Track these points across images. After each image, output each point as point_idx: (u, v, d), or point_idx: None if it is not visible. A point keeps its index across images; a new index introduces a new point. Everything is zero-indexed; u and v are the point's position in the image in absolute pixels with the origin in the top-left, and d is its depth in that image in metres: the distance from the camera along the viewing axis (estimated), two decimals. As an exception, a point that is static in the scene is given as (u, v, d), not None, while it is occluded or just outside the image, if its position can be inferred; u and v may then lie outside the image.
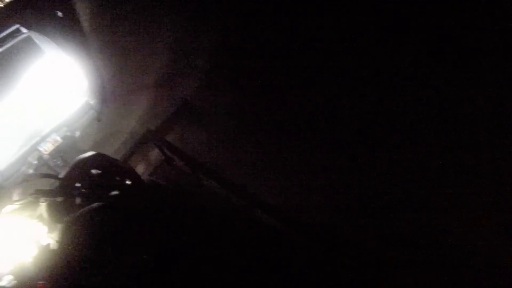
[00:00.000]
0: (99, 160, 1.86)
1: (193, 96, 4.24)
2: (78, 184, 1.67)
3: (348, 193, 3.12)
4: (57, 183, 1.71)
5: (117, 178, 1.79)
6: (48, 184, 2.98)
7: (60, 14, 6.05)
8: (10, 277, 1.32)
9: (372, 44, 3.62)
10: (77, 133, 4.12)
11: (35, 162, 3.94)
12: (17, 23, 4.08)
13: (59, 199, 1.51)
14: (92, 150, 1.85)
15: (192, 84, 4.36)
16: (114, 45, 5.69)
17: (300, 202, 3.14)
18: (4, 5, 5.61)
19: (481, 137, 3.01)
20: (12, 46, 3.80)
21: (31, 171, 3.94)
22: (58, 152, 4.02)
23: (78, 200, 1.54)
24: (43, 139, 3.92)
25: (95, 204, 1.24)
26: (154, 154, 3.95)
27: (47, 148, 3.93)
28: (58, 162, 4.04)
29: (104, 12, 6.59)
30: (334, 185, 3.22)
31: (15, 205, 1.57)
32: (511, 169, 3.72)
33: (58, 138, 3.98)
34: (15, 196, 1.66)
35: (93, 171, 1.79)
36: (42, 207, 1.48)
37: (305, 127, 3.51)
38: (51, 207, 1.47)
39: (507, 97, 2.96)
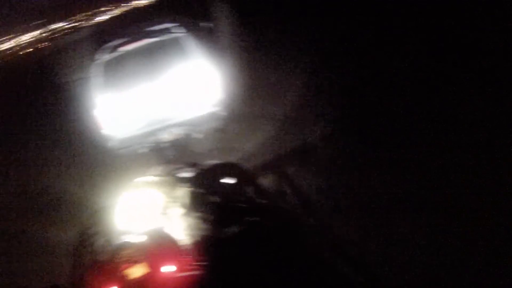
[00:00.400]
0: (237, 171, 1.82)
1: (316, 139, 4.20)
2: (226, 181, 1.69)
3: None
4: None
5: (251, 197, 1.72)
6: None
7: (211, 26, 6.40)
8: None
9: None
10: (199, 136, 4.32)
11: (149, 145, 4.27)
12: (172, 22, 4.60)
13: (200, 190, 1.56)
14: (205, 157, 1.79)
15: (318, 127, 4.36)
16: (252, 68, 6.28)
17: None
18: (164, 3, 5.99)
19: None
20: (164, 40, 4.24)
21: (144, 150, 4.31)
22: (174, 145, 4.29)
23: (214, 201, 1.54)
24: (166, 128, 4.20)
25: (255, 229, 1.16)
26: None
27: (167, 137, 4.22)
28: (170, 154, 4.26)
29: (249, 35, 7.73)
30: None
31: (151, 178, 1.65)
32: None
33: (180, 133, 4.22)
34: (152, 169, 1.76)
35: (225, 180, 1.75)
36: (183, 191, 1.56)
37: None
38: (193, 196, 1.53)
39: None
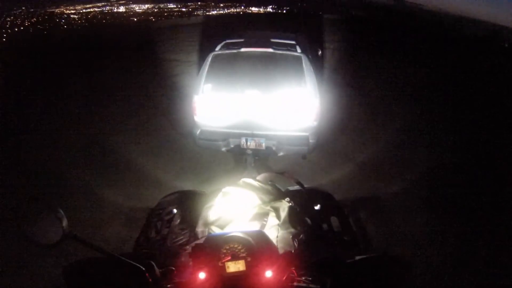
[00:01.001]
0: (327, 199, 1.88)
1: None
2: (317, 207, 1.75)
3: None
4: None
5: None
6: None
7: (320, 52, 6.89)
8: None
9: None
10: (280, 154, 4.32)
11: (232, 146, 4.32)
12: (295, 40, 4.81)
13: (298, 208, 1.61)
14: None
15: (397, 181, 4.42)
16: (350, 107, 6.52)
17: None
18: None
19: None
20: (287, 55, 4.36)
21: (223, 149, 4.36)
22: (254, 154, 4.36)
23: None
24: (253, 136, 4.25)
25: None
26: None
27: (250, 144, 4.25)
28: (250, 162, 4.40)
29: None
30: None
31: (252, 182, 1.69)
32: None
33: (263, 145, 4.25)
34: (260, 176, 1.80)
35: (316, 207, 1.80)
36: (282, 203, 1.60)
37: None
38: (292, 212, 1.58)
39: None
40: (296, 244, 1.34)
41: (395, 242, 3.26)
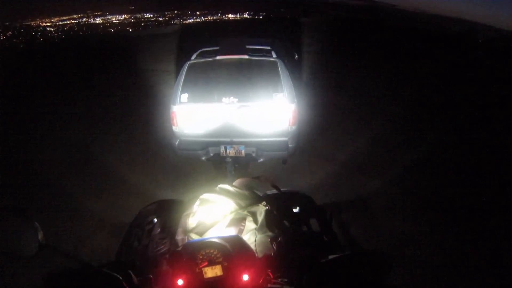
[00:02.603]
0: (306, 202, 1.87)
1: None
2: (296, 210, 1.75)
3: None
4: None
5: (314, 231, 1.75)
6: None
7: (296, 56, 7.16)
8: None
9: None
10: (260, 160, 4.31)
11: (211, 154, 4.29)
12: (270, 45, 4.83)
13: (275, 212, 1.61)
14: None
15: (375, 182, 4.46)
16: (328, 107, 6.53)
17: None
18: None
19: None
20: (263, 61, 4.34)
21: (202, 158, 4.34)
22: (234, 161, 4.31)
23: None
24: (232, 143, 4.22)
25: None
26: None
27: (229, 152, 4.23)
28: (229, 169, 4.33)
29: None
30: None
31: (229, 188, 1.70)
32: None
33: (243, 153, 4.22)
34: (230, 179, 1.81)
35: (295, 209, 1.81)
36: (259, 208, 1.61)
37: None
38: (269, 216, 1.59)
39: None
40: (274, 247, 1.36)
41: (383, 242, 3.28)
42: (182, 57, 6.48)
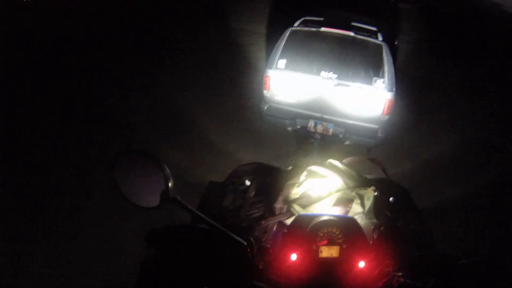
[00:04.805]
0: (403, 193, 1.78)
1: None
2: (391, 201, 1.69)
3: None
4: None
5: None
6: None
7: (396, 43, 7.07)
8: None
9: None
10: (346, 143, 4.24)
11: (298, 127, 4.28)
12: (377, 27, 4.72)
13: (381, 199, 1.53)
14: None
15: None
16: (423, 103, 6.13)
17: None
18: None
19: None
20: (368, 42, 4.21)
21: (288, 128, 4.32)
22: (320, 139, 4.27)
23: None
24: (323, 120, 4.16)
25: None
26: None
27: (318, 129, 4.19)
28: (315, 146, 4.32)
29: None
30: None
31: (339, 165, 1.64)
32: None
33: (330, 131, 4.16)
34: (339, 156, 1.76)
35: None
36: (368, 193, 1.55)
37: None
38: (376, 202, 1.54)
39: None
40: (375, 236, 1.30)
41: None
42: (275, 22, 6.34)
